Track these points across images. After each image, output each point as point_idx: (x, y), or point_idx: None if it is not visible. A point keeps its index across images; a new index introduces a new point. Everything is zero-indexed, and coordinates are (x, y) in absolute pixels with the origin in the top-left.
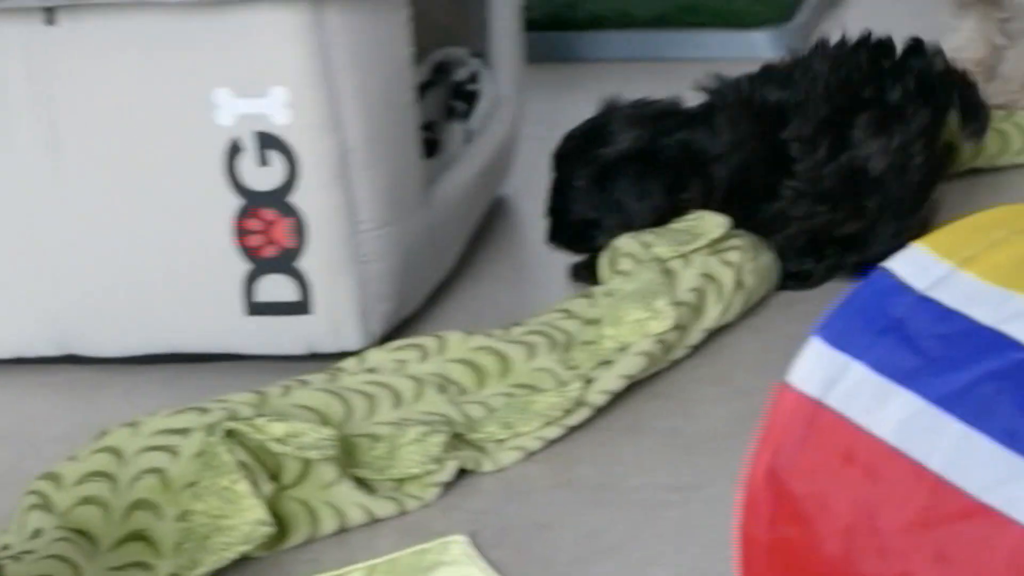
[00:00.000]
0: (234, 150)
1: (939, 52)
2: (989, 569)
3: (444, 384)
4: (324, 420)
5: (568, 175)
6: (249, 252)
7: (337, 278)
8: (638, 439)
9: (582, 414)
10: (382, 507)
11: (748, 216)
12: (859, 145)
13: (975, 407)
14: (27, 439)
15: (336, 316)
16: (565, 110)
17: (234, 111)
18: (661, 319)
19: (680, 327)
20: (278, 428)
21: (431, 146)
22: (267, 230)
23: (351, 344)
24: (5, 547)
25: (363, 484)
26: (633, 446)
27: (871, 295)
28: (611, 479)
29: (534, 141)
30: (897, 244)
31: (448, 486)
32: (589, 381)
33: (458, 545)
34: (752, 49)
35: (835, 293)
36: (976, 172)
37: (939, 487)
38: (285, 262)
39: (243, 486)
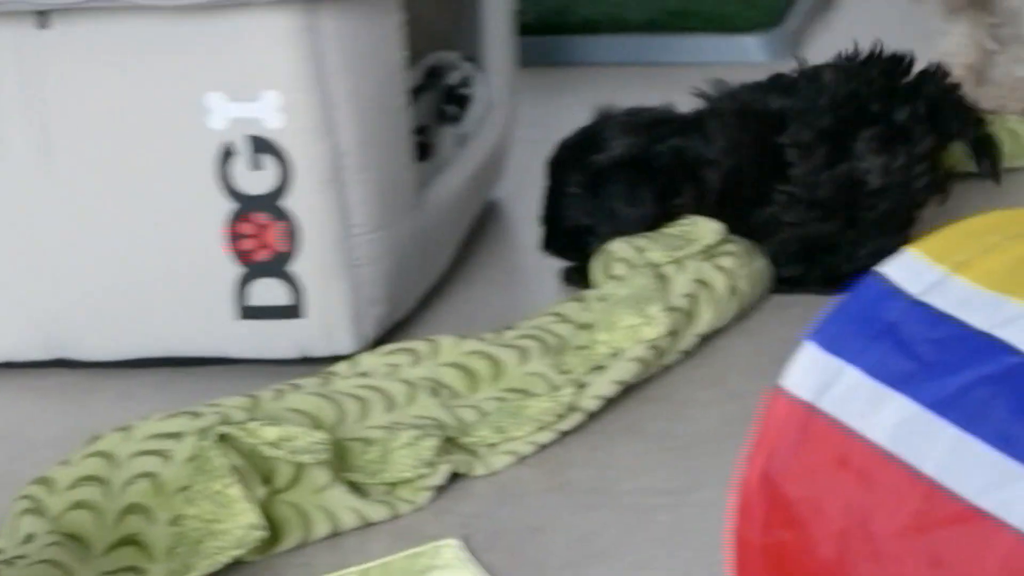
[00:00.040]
0: (227, 154)
1: (956, 83)
2: (983, 573)
3: (436, 388)
4: (316, 424)
5: (562, 182)
6: (242, 256)
7: (330, 282)
8: (631, 442)
9: (575, 419)
10: (375, 511)
11: (741, 221)
12: (861, 158)
13: (969, 412)
14: (19, 443)
15: (329, 320)
16: (557, 114)
17: (227, 115)
18: (654, 325)
19: (673, 333)
20: (271, 432)
21: (423, 150)
22: (260, 234)
23: (343, 348)
24: None
25: (356, 488)
26: (626, 449)
27: (864, 300)
28: (604, 483)
29: (527, 145)
30: (878, 260)
31: (440, 490)
32: (582, 386)
33: (450, 549)
34: (743, 53)
35: (828, 298)
36: (969, 177)
37: (933, 492)
38: (277, 266)
39: (236, 490)
